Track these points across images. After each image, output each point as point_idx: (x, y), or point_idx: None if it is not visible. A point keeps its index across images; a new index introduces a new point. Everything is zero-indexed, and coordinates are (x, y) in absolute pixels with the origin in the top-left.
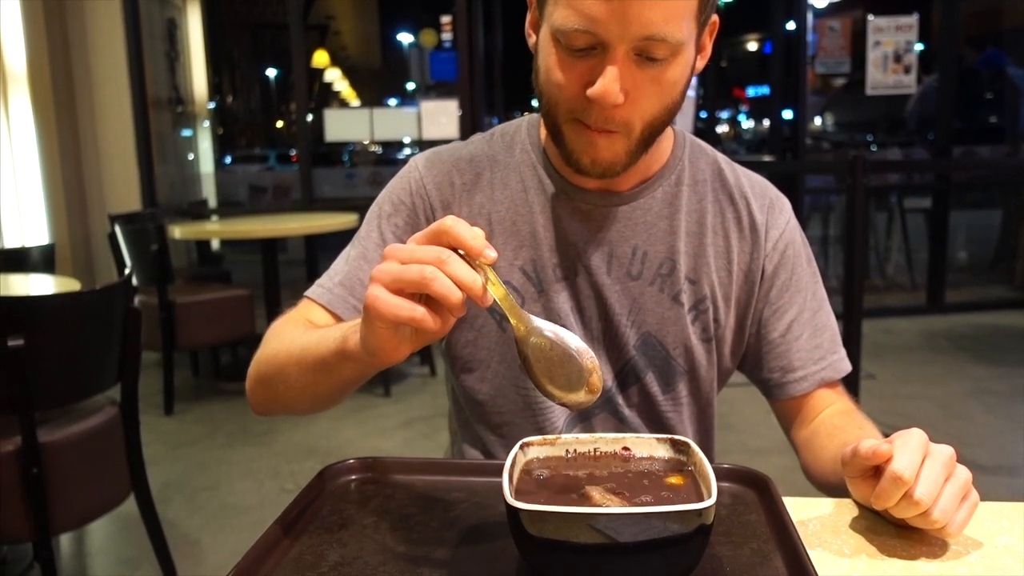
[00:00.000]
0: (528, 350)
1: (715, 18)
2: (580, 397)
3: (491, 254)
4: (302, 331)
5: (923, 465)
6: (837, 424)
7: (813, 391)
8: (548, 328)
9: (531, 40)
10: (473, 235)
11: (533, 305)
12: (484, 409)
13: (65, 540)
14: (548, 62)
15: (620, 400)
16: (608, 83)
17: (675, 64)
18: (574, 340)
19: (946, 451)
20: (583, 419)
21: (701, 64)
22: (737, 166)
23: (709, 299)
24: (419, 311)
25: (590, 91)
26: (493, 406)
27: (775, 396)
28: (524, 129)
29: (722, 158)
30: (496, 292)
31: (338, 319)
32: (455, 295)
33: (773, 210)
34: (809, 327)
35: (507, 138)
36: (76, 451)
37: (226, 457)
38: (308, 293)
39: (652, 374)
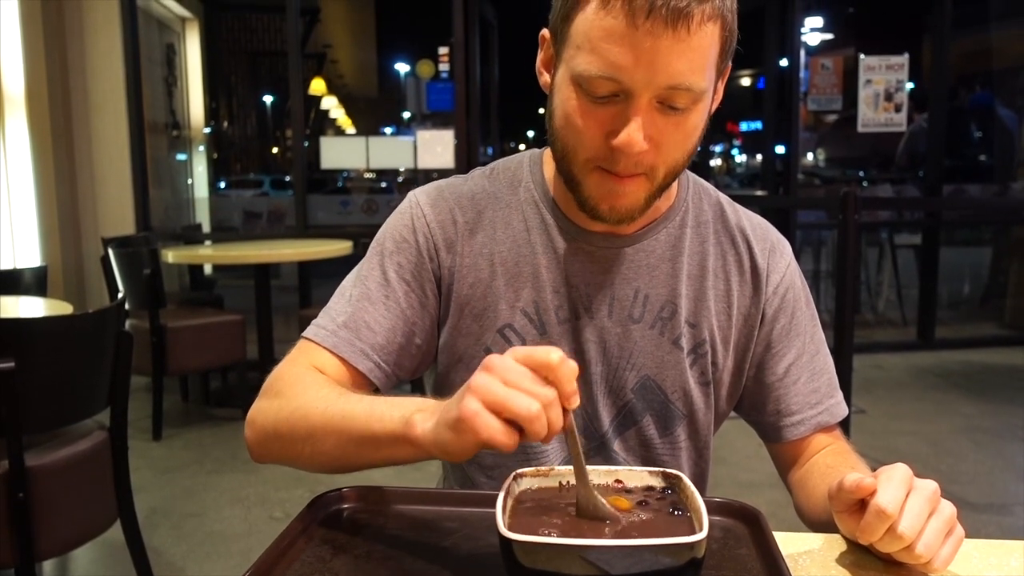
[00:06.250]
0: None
1: (728, 64)
2: None
3: (577, 401)
4: (334, 391)
5: (907, 499)
6: (830, 464)
7: (810, 435)
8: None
9: (543, 79)
10: (571, 380)
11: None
12: None
13: (48, 567)
14: (567, 107)
15: (617, 444)
16: (632, 132)
17: (696, 112)
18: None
19: (930, 486)
20: None
21: (714, 108)
22: (739, 207)
23: (708, 343)
24: (514, 440)
25: (615, 141)
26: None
27: (771, 440)
28: (526, 166)
29: (724, 199)
30: (570, 445)
31: (344, 363)
32: (543, 435)
33: (775, 254)
34: (807, 370)
35: (509, 174)
36: (63, 476)
37: (214, 484)
38: (309, 335)
39: (650, 417)
